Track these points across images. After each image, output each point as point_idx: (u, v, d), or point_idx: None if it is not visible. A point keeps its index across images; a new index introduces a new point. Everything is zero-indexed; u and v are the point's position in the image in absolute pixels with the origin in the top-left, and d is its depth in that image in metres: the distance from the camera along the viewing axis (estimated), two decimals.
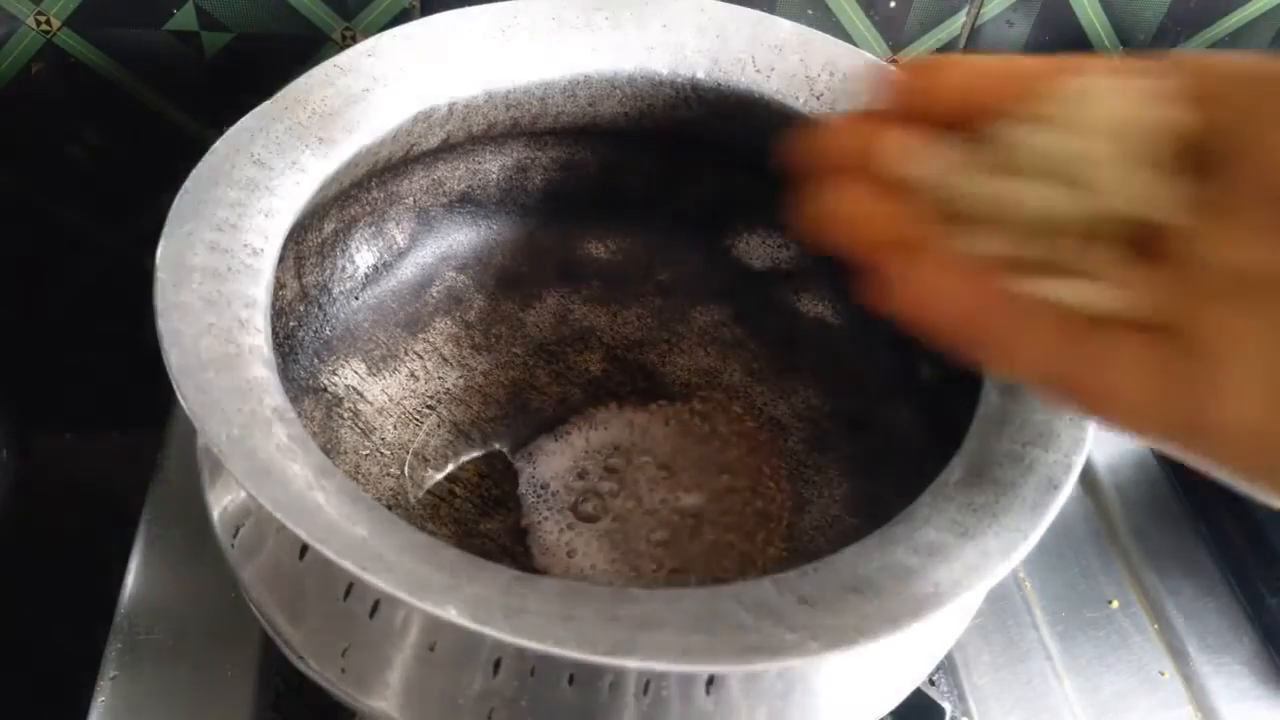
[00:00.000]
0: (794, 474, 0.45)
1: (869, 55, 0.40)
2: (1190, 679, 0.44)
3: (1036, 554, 0.47)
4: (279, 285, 0.39)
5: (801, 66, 0.40)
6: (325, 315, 0.42)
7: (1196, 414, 0.18)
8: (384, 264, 0.44)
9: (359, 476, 0.42)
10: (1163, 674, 0.44)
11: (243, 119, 0.34)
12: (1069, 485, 0.29)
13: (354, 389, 0.43)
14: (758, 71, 0.40)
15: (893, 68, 0.20)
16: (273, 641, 0.32)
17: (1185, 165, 0.19)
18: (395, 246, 0.44)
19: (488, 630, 0.24)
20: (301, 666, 0.31)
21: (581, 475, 0.44)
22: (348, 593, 0.30)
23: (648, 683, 0.28)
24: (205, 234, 0.31)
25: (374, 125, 0.36)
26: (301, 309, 0.41)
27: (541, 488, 0.44)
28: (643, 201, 0.47)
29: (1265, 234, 0.18)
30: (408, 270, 0.45)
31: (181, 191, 0.31)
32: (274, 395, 0.28)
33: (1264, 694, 0.44)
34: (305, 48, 0.49)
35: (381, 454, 0.43)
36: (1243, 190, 0.18)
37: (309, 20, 0.48)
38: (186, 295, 0.29)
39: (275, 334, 0.38)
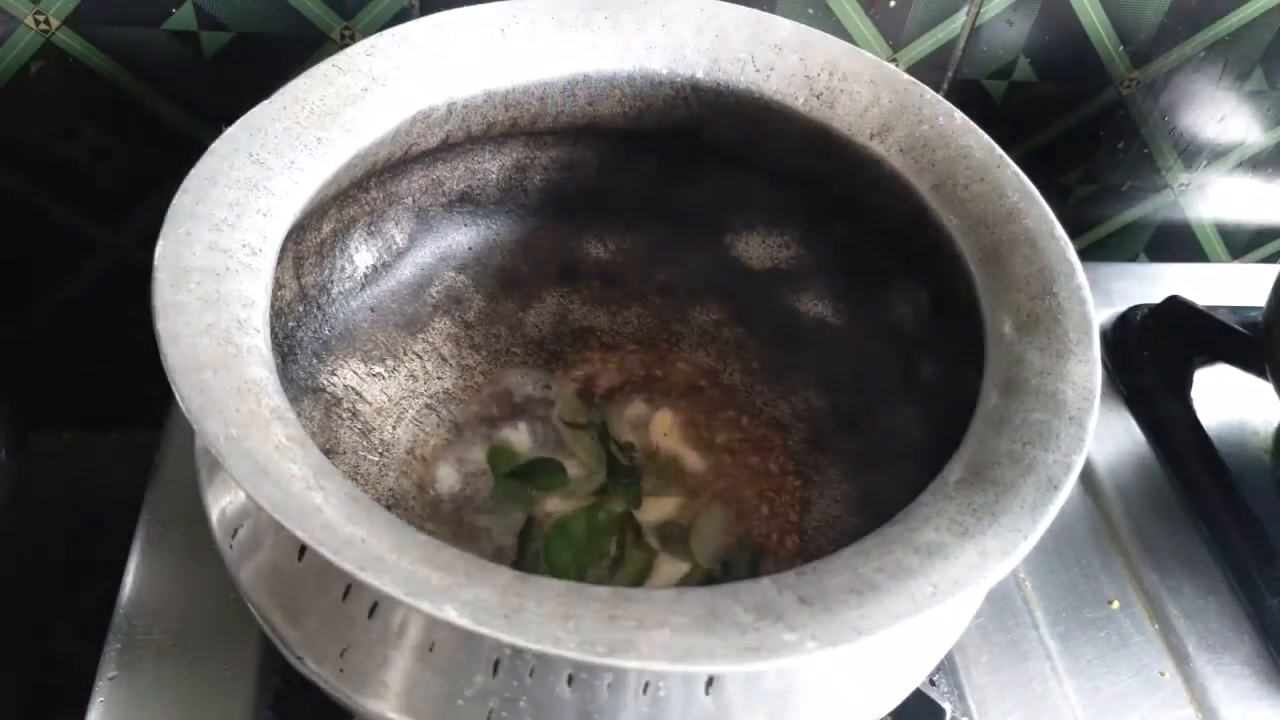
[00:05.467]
0: (795, 474, 0.45)
1: (869, 55, 0.40)
2: (1191, 679, 0.44)
3: (1036, 554, 0.47)
4: (277, 285, 0.39)
5: (801, 66, 0.40)
6: (324, 315, 0.42)
7: None
8: (383, 264, 0.44)
9: (358, 477, 0.42)
10: (1163, 674, 0.44)
11: (241, 118, 0.34)
12: (1069, 485, 0.29)
13: (353, 389, 0.43)
14: (757, 71, 0.40)
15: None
16: (271, 642, 0.32)
17: None
18: (394, 246, 0.44)
19: (487, 631, 0.24)
20: (300, 667, 0.31)
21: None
22: (346, 593, 0.30)
23: (647, 683, 0.28)
24: (203, 234, 0.31)
25: (373, 125, 0.36)
26: (300, 309, 0.41)
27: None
28: (643, 201, 0.47)
29: None
30: (407, 270, 0.45)
31: (180, 191, 0.31)
32: (272, 395, 0.28)
33: (1265, 694, 0.44)
34: (304, 47, 0.49)
35: (380, 454, 0.43)
36: None
37: (308, 20, 0.48)
38: (185, 295, 0.29)
39: (274, 334, 0.38)
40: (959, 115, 0.39)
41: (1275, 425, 0.55)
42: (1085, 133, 0.59)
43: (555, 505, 0.43)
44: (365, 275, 0.44)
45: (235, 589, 0.33)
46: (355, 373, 0.43)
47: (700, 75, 0.40)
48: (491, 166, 0.44)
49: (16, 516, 0.51)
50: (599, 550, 0.42)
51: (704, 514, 0.43)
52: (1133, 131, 0.60)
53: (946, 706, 0.40)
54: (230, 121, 0.34)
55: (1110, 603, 0.46)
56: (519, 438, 0.45)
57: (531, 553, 0.41)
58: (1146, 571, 0.47)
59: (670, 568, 0.42)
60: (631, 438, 0.45)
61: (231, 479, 0.26)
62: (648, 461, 0.45)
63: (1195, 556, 0.48)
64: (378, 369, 0.44)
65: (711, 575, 0.42)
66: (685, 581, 0.42)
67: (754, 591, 0.26)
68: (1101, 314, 0.57)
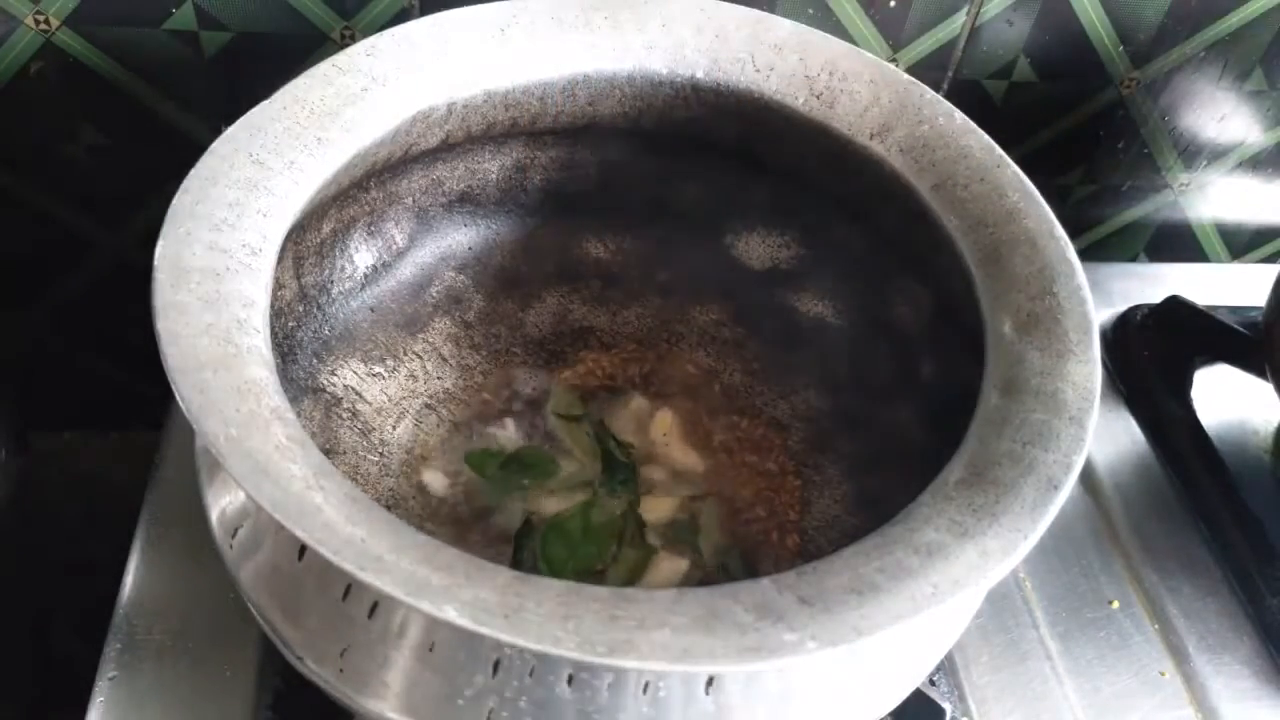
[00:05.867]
0: (795, 474, 0.45)
1: (869, 55, 0.40)
2: (1190, 679, 0.44)
3: (1036, 554, 0.47)
4: (278, 285, 0.39)
5: (801, 66, 0.40)
6: (324, 315, 0.42)
7: None
8: (383, 264, 0.44)
9: (358, 477, 0.42)
10: (1163, 674, 0.44)
11: (241, 118, 0.34)
12: (1069, 485, 0.29)
13: (353, 389, 0.43)
14: (757, 71, 0.40)
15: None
16: (271, 642, 0.32)
17: None
18: (394, 246, 0.44)
19: (487, 631, 0.24)
20: (300, 667, 0.31)
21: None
22: (346, 593, 0.30)
23: (647, 683, 0.28)
24: (204, 234, 0.31)
25: (373, 125, 0.36)
26: (300, 309, 0.41)
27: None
28: (643, 201, 0.47)
29: None
30: (407, 270, 0.45)
31: (180, 191, 0.31)
32: (272, 395, 0.28)
33: (1264, 694, 0.44)
34: (304, 47, 0.49)
35: (380, 454, 0.43)
36: None
37: (308, 19, 0.48)
38: (185, 295, 0.29)
39: (274, 334, 0.38)
40: (959, 115, 0.39)
41: (1275, 425, 0.55)
42: (1085, 133, 0.59)
43: (553, 505, 0.43)
44: (365, 275, 0.44)
45: (235, 589, 0.33)
46: (355, 373, 0.43)
47: (700, 75, 0.40)
48: (491, 166, 0.44)
49: (16, 516, 0.51)
50: (596, 547, 0.42)
51: (705, 513, 0.43)
52: (1133, 131, 0.60)
53: (946, 706, 0.40)
54: (230, 121, 0.34)
55: (1110, 603, 0.46)
56: (515, 437, 0.45)
57: (529, 552, 0.41)
58: (1146, 571, 0.47)
59: (669, 565, 0.42)
60: (631, 437, 0.46)
61: (231, 479, 0.26)
62: (647, 460, 0.45)
63: (1195, 556, 0.48)
64: (378, 369, 0.44)
65: (711, 575, 0.42)
66: (685, 580, 0.42)
67: (754, 591, 0.26)
68: (1101, 314, 0.57)
